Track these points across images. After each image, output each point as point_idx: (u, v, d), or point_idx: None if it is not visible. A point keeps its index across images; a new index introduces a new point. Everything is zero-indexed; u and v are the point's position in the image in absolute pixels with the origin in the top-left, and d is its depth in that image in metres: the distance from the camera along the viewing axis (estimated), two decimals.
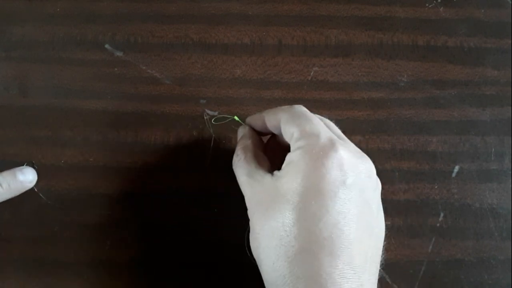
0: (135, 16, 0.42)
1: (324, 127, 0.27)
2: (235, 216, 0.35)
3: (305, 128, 0.27)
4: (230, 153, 0.37)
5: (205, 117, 0.38)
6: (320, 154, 0.25)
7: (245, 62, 0.40)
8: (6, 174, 0.34)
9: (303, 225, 0.23)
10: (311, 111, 0.39)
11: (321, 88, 0.39)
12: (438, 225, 0.35)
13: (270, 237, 0.24)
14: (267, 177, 0.27)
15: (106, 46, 0.41)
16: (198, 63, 0.40)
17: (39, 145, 0.37)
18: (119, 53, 0.41)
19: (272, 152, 0.31)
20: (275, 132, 0.30)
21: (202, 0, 0.43)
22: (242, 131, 0.32)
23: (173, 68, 0.40)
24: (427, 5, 0.43)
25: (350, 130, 0.38)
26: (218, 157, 0.37)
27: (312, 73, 0.40)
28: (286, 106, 0.30)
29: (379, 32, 0.42)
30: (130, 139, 0.38)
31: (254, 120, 0.32)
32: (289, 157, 0.26)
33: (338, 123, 0.38)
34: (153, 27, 0.41)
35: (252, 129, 0.32)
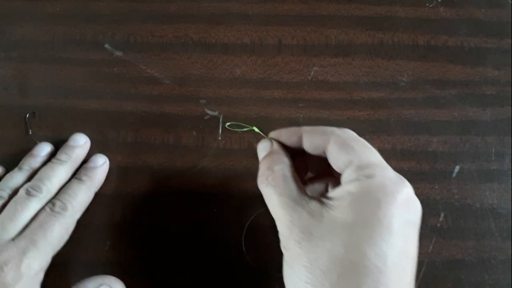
0: (135, 16, 0.42)
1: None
2: (234, 216, 0.35)
3: (368, 158, 0.25)
4: (230, 153, 0.37)
5: (219, 117, 0.37)
6: (390, 190, 0.24)
7: (245, 62, 0.40)
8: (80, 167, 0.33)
9: (357, 260, 0.22)
10: (311, 111, 0.39)
11: (321, 88, 0.39)
12: (438, 225, 0.35)
13: (311, 267, 0.23)
14: (314, 203, 0.25)
15: (106, 46, 0.41)
16: (198, 63, 0.40)
17: None
18: (118, 53, 0.40)
19: (297, 173, 0.29)
20: (312, 152, 0.28)
21: (202, 0, 0.43)
22: (267, 146, 0.29)
23: (173, 68, 0.40)
24: (427, 5, 0.43)
25: None
26: (218, 157, 0.37)
27: (312, 73, 0.40)
28: (335, 128, 0.28)
29: (380, 32, 0.42)
30: (130, 139, 0.38)
31: (287, 135, 0.29)
32: (347, 187, 0.24)
33: (338, 123, 0.38)
34: (153, 27, 0.41)
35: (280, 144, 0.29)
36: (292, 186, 0.26)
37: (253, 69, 0.40)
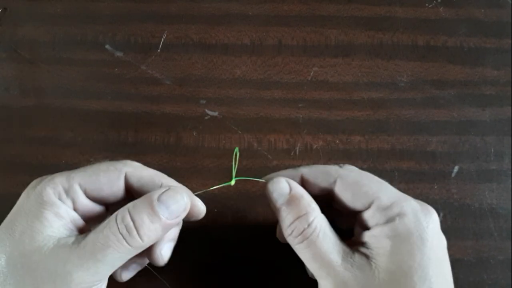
0: (135, 16, 0.42)
1: None
2: (234, 216, 0.35)
3: (387, 195, 0.25)
4: (230, 153, 0.37)
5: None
6: (430, 220, 0.24)
7: (245, 62, 0.40)
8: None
9: None
10: (311, 111, 0.39)
11: (321, 88, 0.39)
12: None
13: None
14: (357, 256, 0.24)
15: (106, 46, 0.41)
16: (198, 64, 0.40)
17: (39, 145, 0.37)
18: (119, 53, 0.41)
19: None
20: (314, 193, 0.26)
21: (202, 0, 0.43)
22: (284, 188, 0.25)
23: (173, 69, 0.40)
24: (427, 5, 0.43)
25: (350, 130, 0.38)
26: (218, 157, 0.37)
27: (312, 73, 0.40)
28: (338, 168, 0.27)
29: (379, 32, 0.42)
30: (130, 139, 0.38)
31: (311, 174, 0.27)
32: (379, 232, 0.24)
33: (338, 123, 0.38)
34: (153, 27, 0.41)
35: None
36: (333, 239, 0.24)
37: (253, 69, 0.40)
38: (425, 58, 0.41)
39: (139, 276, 0.33)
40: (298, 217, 0.24)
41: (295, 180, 0.26)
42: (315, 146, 0.37)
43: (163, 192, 0.24)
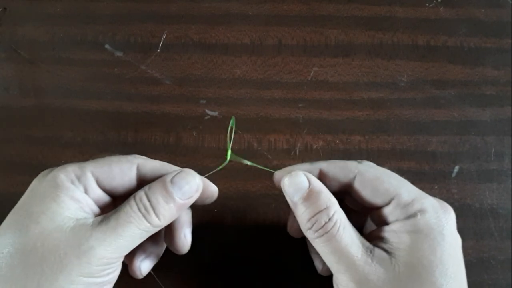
0: (135, 16, 0.42)
1: None
2: (235, 216, 0.35)
3: (407, 191, 0.25)
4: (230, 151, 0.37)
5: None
6: (449, 217, 0.24)
7: (245, 62, 0.40)
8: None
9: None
10: (311, 111, 0.39)
11: (321, 88, 0.39)
12: None
13: None
14: (378, 251, 0.24)
15: (106, 46, 0.41)
16: (198, 63, 0.40)
17: (39, 145, 0.37)
18: (119, 53, 0.41)
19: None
20: (331, 189, 0.26)
21: (202, 0, 0.43)
22: (303, 182, 0.25)
23: (173, 69, 0.40)
24: (427, 5, 0.43)
25: (350, 130, 0.38)
26: (218, 157, 0.37)
27: (312, 73, 0.40)
28: (356, 163, 0.26)
29: (379, 32, 0.42)
30: (130, 139, 0.38)
31: (329, 169, 0.26)
32: (400, 227, 0.24)
33: (338, 123, 0.38)
34: (153, 27, 0.41)
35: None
36: (353, 233, 0.24)
37: (253, 69, 0.40)
38: (425, 58, 0.41)
39: (134, 278, 0.33)
40: (319, 211, 0.24)
41: (314, 175, 0.26)
42: (315, 146, 0.37)
43: (175, 175, 0.25)
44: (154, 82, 0.39)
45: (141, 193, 0.25)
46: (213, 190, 0.29)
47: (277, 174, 0.28)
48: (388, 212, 0.25)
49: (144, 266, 0.29)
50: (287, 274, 0.32)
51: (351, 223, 0.25)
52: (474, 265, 0.34)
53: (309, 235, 0.24)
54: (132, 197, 0.25)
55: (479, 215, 0.36)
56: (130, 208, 0.24)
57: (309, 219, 0.24)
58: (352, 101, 0.39)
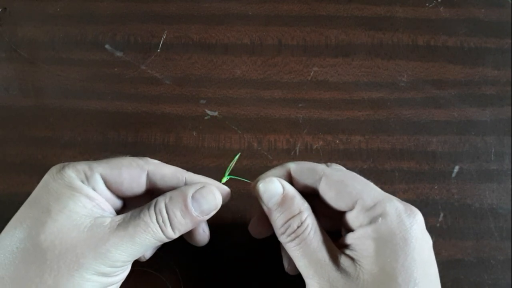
0: (135, 16, 0.42)
1: None
2: (234, 216, 0.35)
3: (371, 195, 0.25)
4: (230, 153, 0.37)
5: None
6: (413, 220, 0.24)
7: (245, 62, 0.40)
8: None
9: None
10: (311, 111, 0.39)
11: (321, 88, 0.39)
12: (438, 225, 0.35)
13: None
14: (344, 258, 0.24)
15: (106, 46, 0.41)
16: (198, 63, 0.40)
17: (39, 145, 0.37)
18: (119, 53, 0.41)
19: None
20: (300, 189, 0.26)
21: (202, 0, 0.43)
22: (277, 188, 0.25)
23: (173, 68, 0.40)
24: (427, 5, 0.43)
25: (350, 130, 0.38)
26: (218, 157, 0.37)
27: (312, 73, 0.40)
28: (324, 166, 0.26)
29: (379, 32, 0.42)
30: (130, 139, 0.38)
31: (276, 174, 0.26)
32: (363, 233, 0.24)
33: (338, 123, 0.38)
34: (153, 27, 0.41)
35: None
36: (322, 238, 0.25)
37: (253, 69, 0.40)
38: (425, 58, 0.41)
39: (139, 276, 0.33)
40: (293, 217, 0.25)
41: (283, 177, 0.26)
42: (315, 146, 0.37)
43: (197, 190, 0.25)
44: (154, 82, 0.39)
45: (161, 204, 0.25)
46: (228, 197, 0.29)
47: (253, 183, 0.27)
48: (353, 217, 0.25)
49: (147, 252, 0.30)
50: (286, 275, 0.32)
51: (326, 228, 0.25)
52: (474, 265, 0.34)
53: (283, 239, 0.25)
54: (152, 206, 0.25)
55: (479, 215, 0.36)
56: (150, 219, 0.24)
57: (283, 224, 0.25)
58: (352, 101, 0.39)
